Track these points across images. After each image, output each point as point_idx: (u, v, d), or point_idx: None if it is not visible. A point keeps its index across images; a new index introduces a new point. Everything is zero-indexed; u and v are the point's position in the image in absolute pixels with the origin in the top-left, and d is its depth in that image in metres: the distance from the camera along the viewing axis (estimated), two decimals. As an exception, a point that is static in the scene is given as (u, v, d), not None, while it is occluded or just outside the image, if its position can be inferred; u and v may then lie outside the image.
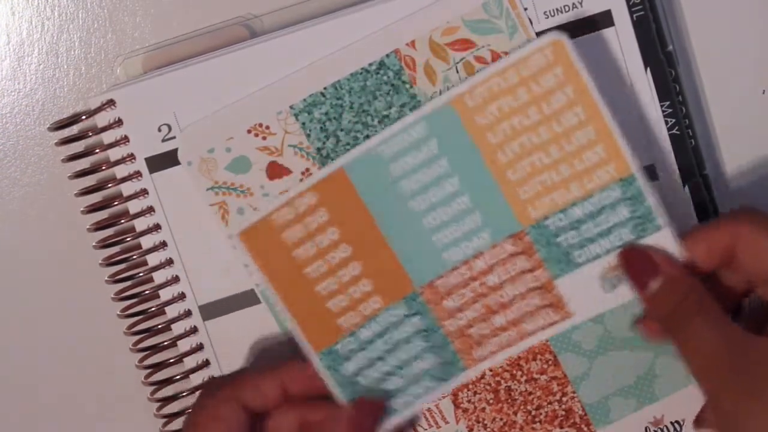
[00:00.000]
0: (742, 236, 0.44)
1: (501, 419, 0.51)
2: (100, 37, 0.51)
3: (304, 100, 0.49)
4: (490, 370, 0.50)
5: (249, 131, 0.49)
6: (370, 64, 0.48)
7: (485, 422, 0.51)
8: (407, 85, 0.49)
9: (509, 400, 0.51)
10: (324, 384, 0.47)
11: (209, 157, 0.49)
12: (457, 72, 0.48)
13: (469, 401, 0.51)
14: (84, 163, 0.50)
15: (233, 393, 0.46)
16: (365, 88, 0.49)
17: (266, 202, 0.49)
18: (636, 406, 0.50)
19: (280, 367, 0.47)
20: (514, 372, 0.50)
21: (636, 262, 0.46)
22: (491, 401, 0.51)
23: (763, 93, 0.51)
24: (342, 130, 0.49)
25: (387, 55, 0.48)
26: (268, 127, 0.49)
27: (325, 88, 0.49)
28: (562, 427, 0.51)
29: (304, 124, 0.49)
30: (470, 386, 0.50)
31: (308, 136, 0.49)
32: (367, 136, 0.49)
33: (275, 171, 0.49)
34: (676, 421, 0.50)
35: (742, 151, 0.51)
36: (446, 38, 0.48)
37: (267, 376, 0.46)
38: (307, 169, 0.49)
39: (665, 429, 0.51)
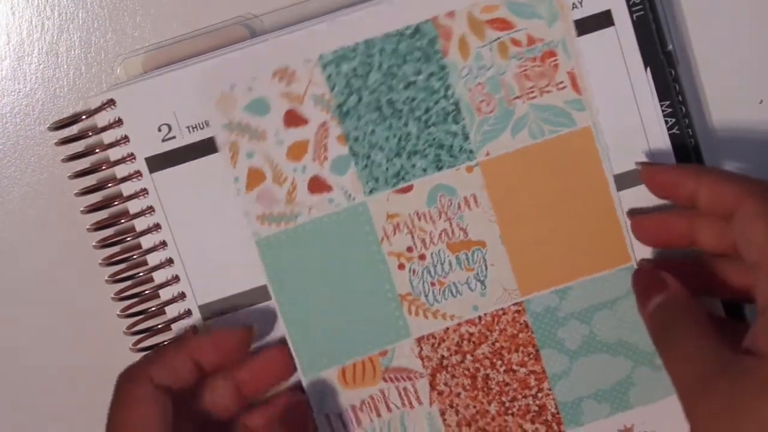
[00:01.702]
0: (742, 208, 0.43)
1: (474, 407, 0.50)
2: (100, 36, 0.51)
3: (335, 51, 0.48)
4: (471, 355, 0.50)
5: (274, 74, 0.48)
6: (406, 28, 0.48)
7: (458, 408, 0.50)
8: (438, 55, 0.48)
9: (485, 389, 0.50)
10: (235, 351, 0.47)
11: (230, 93, 0.47)
12: (491, 51, 0.48)
13: (445, 384, 0.50)
14: (84, 163, 0.50)
15: (144, 373, 0.45)
16: (397, 51, 0.48)
17: (278, 150, 0.48)
18: (609, 412, 0.51)
19: (185, 342, 0.47)
20: (495, 360, 0.50)
21: (644, 279, 0.46)
22: (468, 387, 0.50)
23: (761, 103, 0.52)
24: (366, 89, 0.48)
25: (424, 21, 0.48)
26: (293, 73, 0.48)
27: (357, 44, 0.48)
28: (533, 423, 0.50)
29: (330, 76, 0.48)
30: (449, 369, 0.50)
31: (332, 89, 0.48)
32: (390, 100, 0.48)
33: (292, 119, 0.48)
34: (645, 432, 0.51)
35: (742, 150, 0.52)
36: (486, 15, 0.48)
37: (173, 353, 0.46)
38: (325, 122, 0.48)
39: (633, 438, 0.51)
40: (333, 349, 0.49)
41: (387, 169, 0.49)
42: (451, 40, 0.48)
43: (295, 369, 0.49)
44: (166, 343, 0.49)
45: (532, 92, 0.49)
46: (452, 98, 0.48)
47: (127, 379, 0.45)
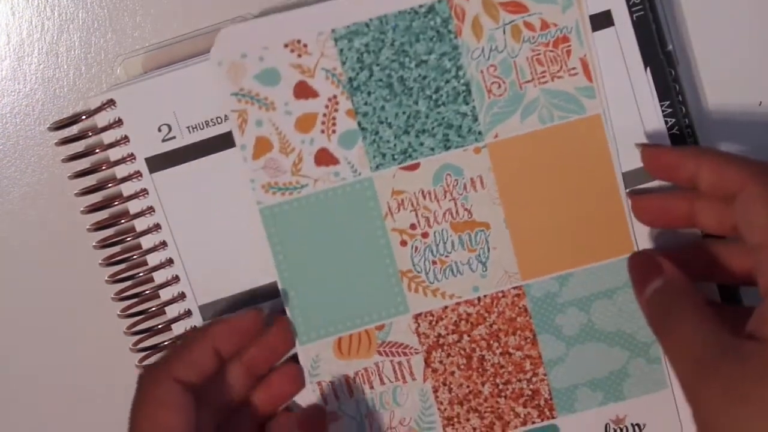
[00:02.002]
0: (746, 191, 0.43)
1: (467, 386, 0.50)
2: (100, 37, 0.51)
3: (348, 26, 0.48)
4: (468, 336, 0.50)
5: (286, 45, 0.48)
6: (421, 6, 0.48)
7: (451, 386, 0.50)
8: (452, 35, 0.48)
9: (480, 369, 0.50)
10: (253, 334, 0.48)
11: (240, 62, 0.48)
12: (504, 33, 0.48)
13: (440, 362, 0.50)
14: (84, 163, 0.50)
15: (168, 373, 0.45)
16: (410, 29, 0.48)
17: (287, 121, 0.48)
18: (602, 401, 0.51)
19: (205, 333, 0.47)
20: (491, 342, 0.50)
21: (640, 265, 0.46)
22: (462, 366, 0.50)
23: (760, 104, 0.51)
24: (378, 65, 0.48)
25: (439, 1, 0.48)
26: (305, 46, 0.48)
27: (370, 20, 0.48)
28: (525, 407, 0.51)
29: (342, 50, 0.48)
30: (445, 347, 0.50)
31: (343, 63, 0.48)
32: (401, 77, 0.48)
33: (302, 91, 0.48)
34: (637, 424, 0.51)
35: (742, 150, 0.52)
36: (501, -3, 0.48)
37: (195, 346, 0.46)
38: (335, 96, 0.48)
39: (625, 429, 0.51)
40: (330, 319, 0.50)
41: (395, 145, 0.49)
42: (465, 20, 0.48)
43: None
44: (186, 333, 0.49)
45: (544, 77, 0.49)
46: (463, 79, 0.48)
47: (149, 380, 0.45)
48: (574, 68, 0.48)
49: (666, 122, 0.49)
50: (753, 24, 0.51)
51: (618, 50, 0.49)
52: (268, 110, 0.48)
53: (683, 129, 0.49)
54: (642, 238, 0.49)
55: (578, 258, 0.50)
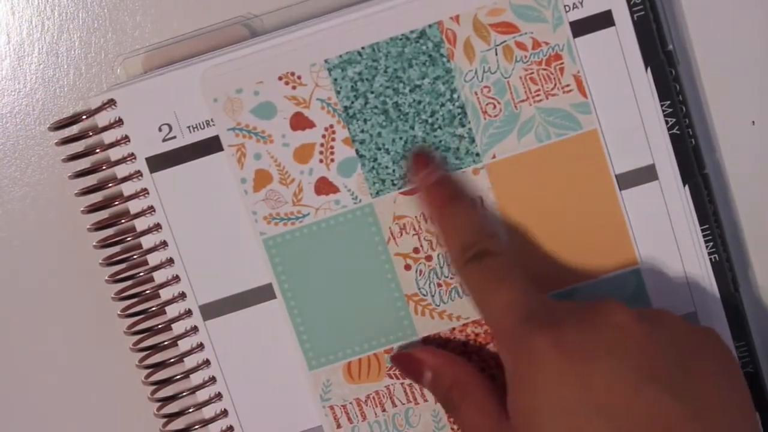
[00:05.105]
0: None
1: (479, 405, 0.51)
2: (100, 36, 0.51)
3: (340, 56, 0.48)
4: (477, 355, 0.50)
5: (280, 78, 0.48)
6: (411, 32, 0.48)
7: (463, 406, 0.51)
8: (444, 59, 0.48)
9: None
10: None
11: (236, 97, 0.48)
12: (496, 54, 0.48)
13: (451, 382, 0.51)
14: (84, 163, 0.50)
15: None
16: (402, 55, 0.48)
17: (285, 152, 0.49)
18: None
19: None
20: (500, 360, 0.50)
21: (405, 365, 0.49)
22: (473, 386, 0.51)
23: (753, 124, 0.51)
24: (372, 92, 0.49)
25: (429, 26, 0.48)
26: (299, 77, 0.48)
27: (362, 48, 0.48)
28: (537, 422, 0.51)
29: (336, 80, 0.48)
30: (455, 368, 0.51)
31: (338, 92, 0.49)
32: (396, 103, 0.49)
33: (299, 122, 0.49)
34: None
35: (743, 150, 0.52)
36: (491, 19, 0.48)
37: None
38: (331, 126, 0.49)
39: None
40: (338, 345, 0.50)
41: (393, 171, 0.49)
42: (457, 43, 0.48)
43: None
44: None
45: (538, 95, 0.49)
46: (458, 101, 0.49)
47: None
48: (568, 85, 0.49)
49: (666, 122, 0.49)
50: (753, 23, 0.51)
51: (618, 50, 0.49)
52: (265, 143, 0.49)
53: (683, 129, 0.49)
54: (645, 250, 0.49)
55: (582, 273, 0.50)
